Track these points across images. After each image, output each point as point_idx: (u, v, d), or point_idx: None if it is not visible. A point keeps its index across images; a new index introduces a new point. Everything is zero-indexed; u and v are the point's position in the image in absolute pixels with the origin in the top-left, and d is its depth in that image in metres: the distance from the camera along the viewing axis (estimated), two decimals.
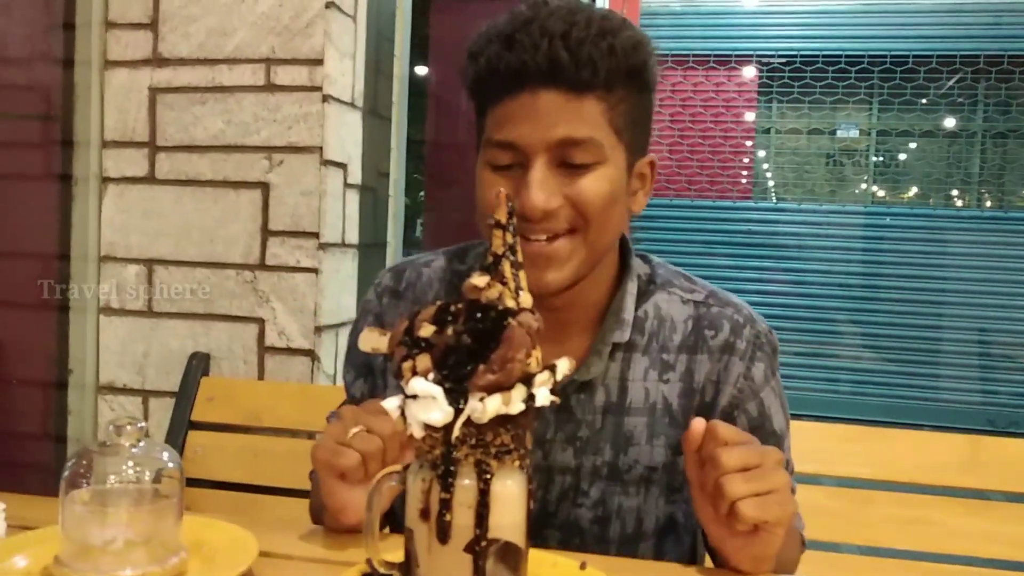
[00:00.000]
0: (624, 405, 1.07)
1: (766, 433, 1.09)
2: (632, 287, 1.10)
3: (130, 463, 0.81)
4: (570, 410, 1.06)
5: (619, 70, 0.96)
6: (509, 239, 0.75)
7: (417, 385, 0.70)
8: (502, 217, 0.75)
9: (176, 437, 1.86)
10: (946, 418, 6.09)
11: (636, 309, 1.09)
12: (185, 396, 1.90)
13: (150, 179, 1.99)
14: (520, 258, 0.75)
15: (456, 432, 0.69)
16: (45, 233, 2.03)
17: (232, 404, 1.87)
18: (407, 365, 0.72)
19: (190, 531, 0.85)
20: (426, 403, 0.69)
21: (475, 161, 1.07)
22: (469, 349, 0.70)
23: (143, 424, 0.81)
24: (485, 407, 0.68)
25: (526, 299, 0.74)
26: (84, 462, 0.80)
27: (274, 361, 1.94)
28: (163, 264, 1.99)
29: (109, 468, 0.80)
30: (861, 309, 6.48)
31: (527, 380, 0.69)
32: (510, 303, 0.72)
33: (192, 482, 1.84)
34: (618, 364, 1.07)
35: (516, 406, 0.68)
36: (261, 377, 1.95)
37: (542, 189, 0.95)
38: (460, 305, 0.72)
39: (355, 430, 0.89)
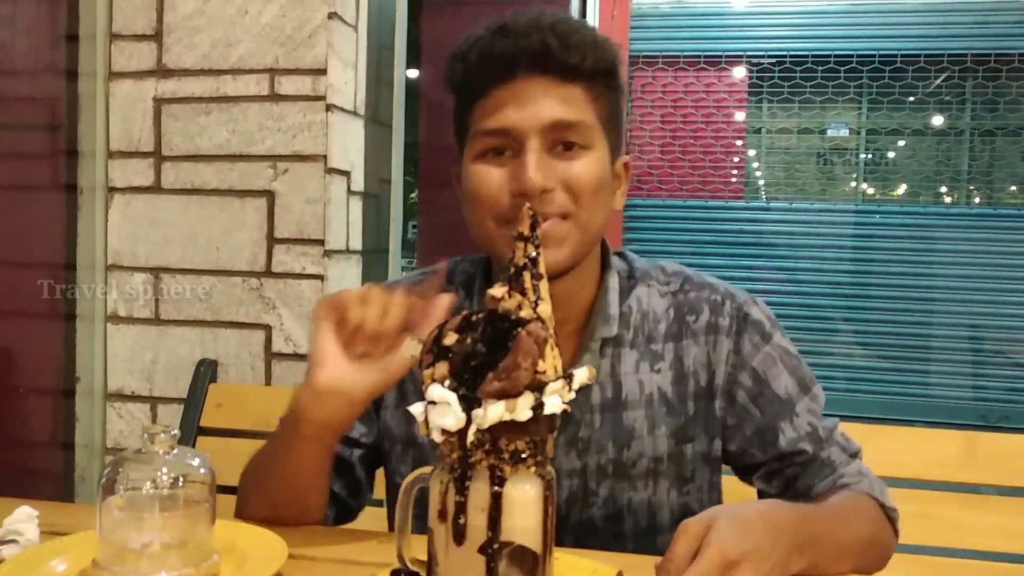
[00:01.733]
0: (620, 400, 1.09)
1: (768, 400, 1.10)
2: (614, 283, 1.13)
3: (164, 469, 0.83)
4: (568, 412, 1.09)
5: (602, 62, 1.03)
6: (531, 251, 0.78)
7: (434, 391, 0.73)
8: (525, 229, 0.78)
9: (185, 443, 1.86)
10: (938, 414, 6.12)
11: (620, 305, 1.12)
12: (193, 402, 1.90)
13: (156, 188, 2.00)
14: (541, 269, 0.78)
15: (470, 437, 0.72)
16: (52, 242, 2.04)
17: (240, 410, 1.88)
18: (428, 372, 0.75)
19: (221, 535, 0.88)
20: (442, 409, 0.72)
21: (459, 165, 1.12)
22: (484, 356, 0.73)
23: (176, 432, 0.83)
24: (486, 413, 0.71)
25: (544, 309, 0.77)
26: (120, 469, 0.83)
27: (281, 367, 1.96)
28: (170, 272, 2.00)
29: (144, 474, 0.83)
30: (853, 307, 6.51)
31: (538, 388, 0.72)
32: (525, 313, 0.75)
33: None
34: (608, 360, 1.10)
35: (523, 413, 0.71)
36: (268, 383, 1.97)
37: (539, 169, 0.99)
38: (481, 314, 0.75)
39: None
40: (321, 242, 1.93)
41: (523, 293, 0.77)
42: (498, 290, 0.77)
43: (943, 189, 7.01)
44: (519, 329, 0.72)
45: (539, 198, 0.99)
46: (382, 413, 1.19)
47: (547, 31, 1.00)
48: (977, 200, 6.98)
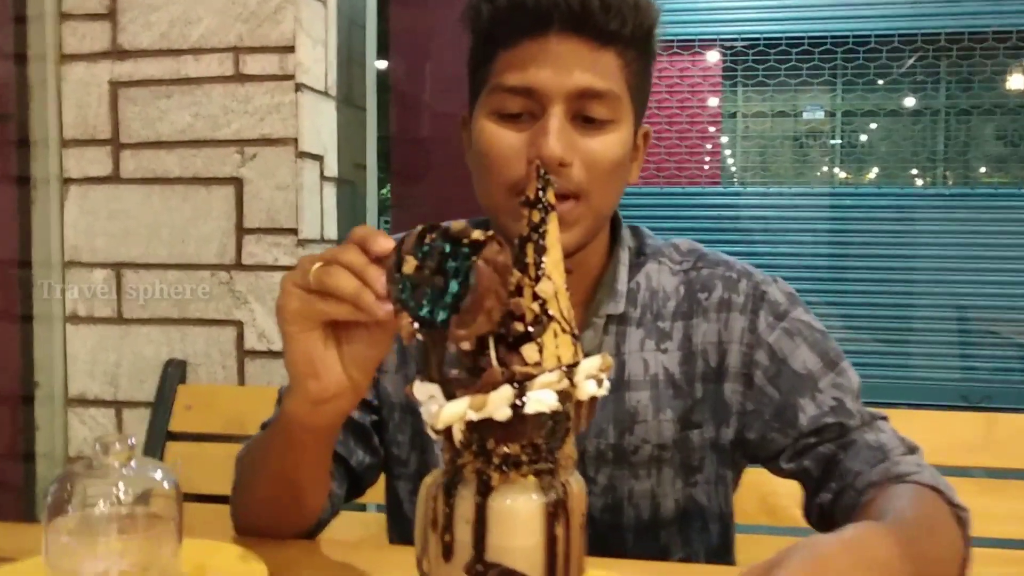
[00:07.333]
0: (623, 380, 1.01)
1: (788, 378, 1.00)
2: (624, 257, 1.05)
3: (121, 484, 0.72)
4: (591, 405, 0.99)
5: (641, 27, 0.93)
6: (536, 218, 0.68)
7: (418, 391, 0.64)
8: (532, 193, 0.68)
9: (154, 449, 1.77)
10: (920, 395, 6.12)
11: (628, 281, 1.04)
12: (162, 406, 1.81)
13: (115, 178, 1.89)
14: (546, 241, 0.67)
15: (456, 436, 0.61)
16: (4, 239, 1.92)
17: (212, 412, 1.79)
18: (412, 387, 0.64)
19: (191, 556, 0.77)
20: (429, 403, 0.63)
21: (457, 132, 1.03)
22: (442, 291, 0.62)
23: (133, 440, 0.72)
24: (439, 413, 0.60)
25: (545, 287, 0.65)
26: (68, 486, 0.71)
27: (254, 365, 1.86)
28: (132, 268, 1.90)
29: (98, 491, 0.71)
30: (832, 291, 6.51)
31: (520, 380, 0.61)
32: (492, 251, 0.61)
33: None
34: (612, 338, 1.02)
35: (500, 411, 0.60)
36: (242, 382, 1.87)
37: (560, 139, 0.90)
38: (434, 235, 0.64)
39: (316, 266, 0.71)
40: (294, 231, 1.83)
41: (523, 269, 0.66)
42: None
43: (920, 170, 7.02)
44: (473, 259, 0.61)
45: (555, 171, 0.89)
46: (381, 377, 1.09)
47: None
48: (953, 180, 7.00)
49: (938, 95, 6.84)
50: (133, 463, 0.73)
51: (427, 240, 0.63)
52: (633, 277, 1.05)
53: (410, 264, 0.64)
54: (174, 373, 1.85)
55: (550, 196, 0.68)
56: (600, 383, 0.65)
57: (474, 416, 0.59)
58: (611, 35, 0.91)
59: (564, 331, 0.65)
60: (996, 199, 6.63)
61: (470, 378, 0.62)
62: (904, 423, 1.52)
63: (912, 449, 0.98)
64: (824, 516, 0.96)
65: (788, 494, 1.54)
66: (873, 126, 7.16)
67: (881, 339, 6.47)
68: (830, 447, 0.97)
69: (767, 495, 1.51)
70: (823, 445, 0.97)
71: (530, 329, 0.63)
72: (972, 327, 6.41)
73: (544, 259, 0.66)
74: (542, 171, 0.68)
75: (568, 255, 0.88)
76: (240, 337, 1.86)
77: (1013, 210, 6.42)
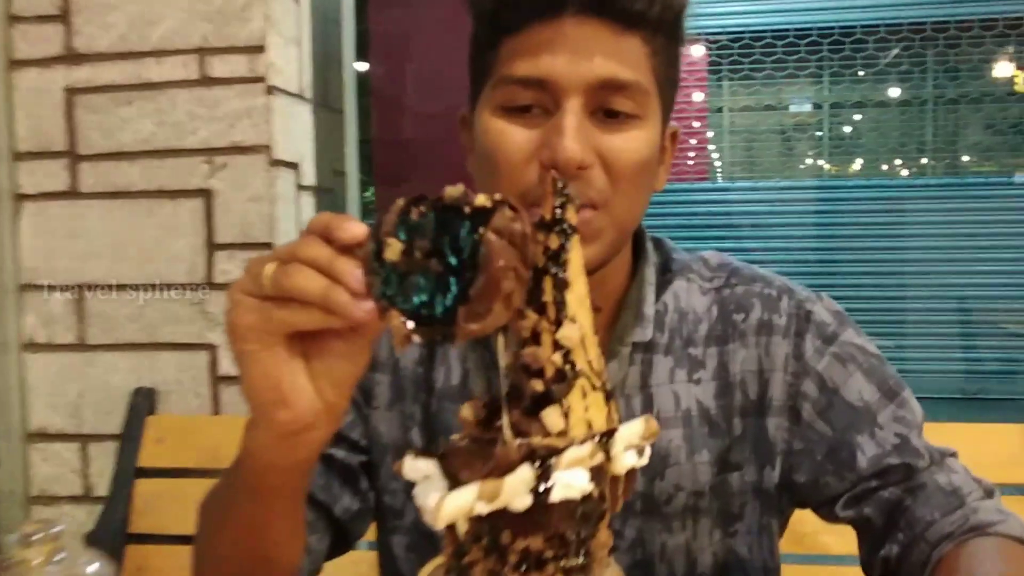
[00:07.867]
0: (651, 416, 0.88)
1: (842, 412, 0.88)
2: (651, 276, 0.93)
3: None
4: (630, 480, 0.87)
5: (670, 9, 0.81)
6: (554, 244, 0.55)
7: (409, 469, 0.51)
8: (548, 213, 0.55)
9: (122, 487, 1.67)
10: (918, 389, 6.03)
11: (655, 302, 0.92)
12: (130, 439, 1.71)
13: (73, 193, 1.78)
14: (566, 273, 0.54)
15: (462, 529, 0.49)
16: None
17: (185, 444, 1.69)
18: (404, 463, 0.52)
19: None
20: (425, 485, 0.50)
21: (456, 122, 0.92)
22: (441, 276, 0.50)
23: (60, 528, 0.58)
24: (439, 507, 0.47)
25: (569, 333, 0.52)
26: None
27: (230, 392, 1.76)
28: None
29: None
30: (824, 284, 6.41)
31: (543, 457, 0.48)
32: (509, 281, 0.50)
33: (145, 538, 1.65)
34: (638, 368, 0.90)
35: (518, 499, 0.48)
36: (217, 411, 1.77)
37: (577, 138, 0.77)
38: (423, 208, 0.52)
39: (271, 266, 0.57)
40: (269, 245, 1.73)
41: (540, 310, 0.53)
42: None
43: (908, 160, 6.97)
44: (481, 230, 0.49)
45: (573, 175, 0.77)
46: (371, 414, 0.96)
47: None
48: (941, 170, 6.96)
49: (925, 85, 6.80)
50: (62, 555, 0.59)
51: (414, 215, 0.51)
52: (659, 297, 0.93)
53: (394, 248, 0.51)
54: (142, 403, 1.75)
55: (571, 215, 0.55)
56: (641, 452, 0.52)
57: (485, 509, 0.46)
58: (636, 17, 0.79)
59: (595, 388, 0.52)
60: (985, 188, 6.60)
61: (478, 452, 0.50)
62: (935, 438, 1.42)
63: (989, 491, 0.86)
64: (889, 572, 0.84)
65: (815, 520, 1.43)
66: (860, 117, 7.11)
67: (874, 332, 6.34)
68: (895, 492, 0.85)
69: (792, 521, 1.40)
70: (887, 489, 0.85)
71: (552, 388, 0.50)
72: (965, 317, 6.38)
73: (567, 296, 0.53)
74: (559, 184, 0.55)
75: (587, 274, 0.76)
76: (214, 362, 1.76)
77: (1002, 199, 6.39)
